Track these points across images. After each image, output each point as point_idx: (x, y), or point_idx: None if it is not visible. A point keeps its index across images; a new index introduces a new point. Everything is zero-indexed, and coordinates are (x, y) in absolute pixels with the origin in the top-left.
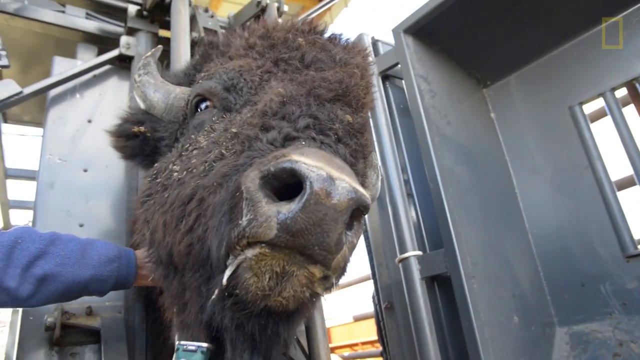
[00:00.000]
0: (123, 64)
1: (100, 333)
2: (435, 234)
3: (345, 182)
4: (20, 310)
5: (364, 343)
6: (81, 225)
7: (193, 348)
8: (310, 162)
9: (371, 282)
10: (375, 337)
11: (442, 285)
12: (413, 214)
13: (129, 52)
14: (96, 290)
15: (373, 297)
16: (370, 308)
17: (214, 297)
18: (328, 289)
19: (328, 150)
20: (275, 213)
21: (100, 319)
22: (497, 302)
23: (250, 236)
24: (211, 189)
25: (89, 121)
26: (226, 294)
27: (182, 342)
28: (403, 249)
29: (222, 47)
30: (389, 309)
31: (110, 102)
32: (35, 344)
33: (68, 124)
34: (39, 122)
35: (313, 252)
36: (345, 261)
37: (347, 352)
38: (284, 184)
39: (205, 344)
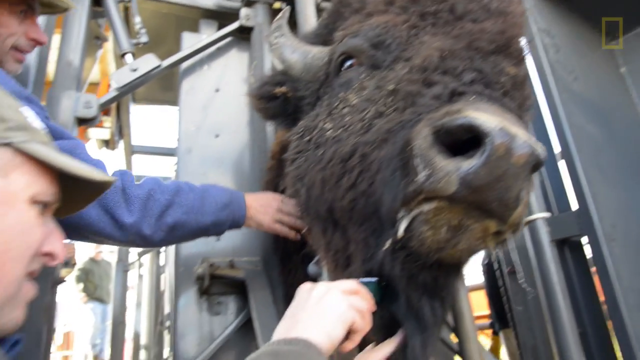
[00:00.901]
0: (243, 35)
1: (244, 283)
2: (563, 195)
3: (524, 138)
4: (171, 262)
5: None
6: None
7: (369, 280)
8: (488, 117)
9: None
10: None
11: (573, 249)
12: (537, 174)
13: (249, 24)
14: (215, 232)
15: (483, 264)
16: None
17: (385, 247)
18: (499, 244)
19: (497, 105)
20: (454, 169)
21: (244, 271)
22: None
23: (428, 192)
24: (374, 145)
25: (217, 90)
26: (398, 246)
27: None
28: (529, 211)
29: (355, 4)
30: (513, 274)
31: (233, 72)
32: (188, 292)
33: (199, 94)
34: (161, 101)
35: (492, 207)
36: (522, 217)
37: None
38: (455, 139)
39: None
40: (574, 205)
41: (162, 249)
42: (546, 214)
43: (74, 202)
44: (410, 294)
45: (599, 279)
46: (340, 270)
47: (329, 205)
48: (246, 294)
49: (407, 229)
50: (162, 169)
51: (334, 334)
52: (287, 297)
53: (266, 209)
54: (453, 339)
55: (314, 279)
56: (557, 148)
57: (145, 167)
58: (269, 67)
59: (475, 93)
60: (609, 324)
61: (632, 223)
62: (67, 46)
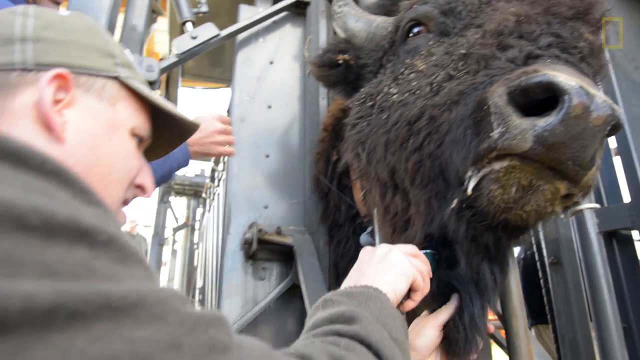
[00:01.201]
0: (298, 10)
1: (292, 250)
2: (615, 187)
3: (603, 98)
4: (220, 228)
5: None
6: (267, 156)
7: (425, 251)
8: (566, 76)
9: None
10: None
11: (622, 242)
12: None
13: None
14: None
15: (519, 259)
16: None
17: (452, 206)
18: (567, 208)
19: (574, 69)
20: (530, 126)
21: (292, 238)
22: None
23: (501, 148)
24: (444, 107)
25: (271, 63)
26: (464, 205)
27: None
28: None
29: None
30: (555, 264)
31: (287, 45)
32: (234, 257)
33: (254, 65)
34: (208, 77)
35: (565, 167)
36: (594, 180)
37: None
38: (530, 100)
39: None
40: (626, 197)
41: (197, 226)
42: (596, 205)
43: (159, 146)
44: (471, 257)
45: None
46: (398, 235)
47: (391, 168)
48: (290, 262)
49: (475, 188)
50: None
51: (398, 288)
52: (335, 268)
53: (204, 138)
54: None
55: None
56: (611, 139)
57: None
58: (324, 42)
59: (552, 57)
60: None
61: None
62: (132, 12)
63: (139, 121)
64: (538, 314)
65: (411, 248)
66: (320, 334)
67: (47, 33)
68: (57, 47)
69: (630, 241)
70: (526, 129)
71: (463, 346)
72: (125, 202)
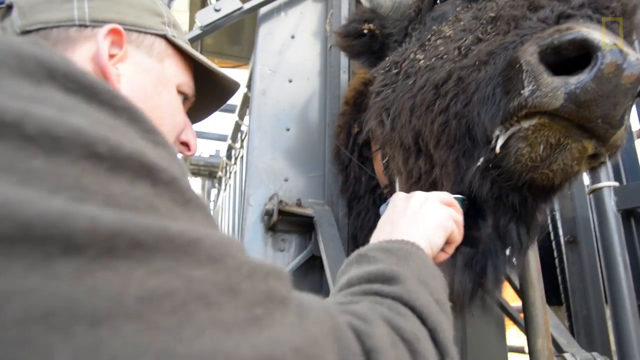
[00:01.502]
0: None
1: (312, 221)
2: (633, 164)
3: (636, 56)
4: (236, 205)
5: None
6: (287, 130)
7: (457, 196)
8: (599, 34)
9: None
10: None
11: None
12: None
13: None
14: None
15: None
16: None
17: (478, 164)
18: (593, 168)
19: (607, 29)
20: (561, 83)
21: (312, 209)
22: None
23: (532, 106)
24: (472, 68)
25: (292, 37)
26: (490, 165)
27: None
28: (595, 180)
29: None
30: (572, 243)
31: (309, 20)
32: (254, 228)
33: (275, 38)
34: (227, 55)
35: (595, 124)
36: (622, 140)
37: None
38: (562, 59)
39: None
40: None
41: (212, 207)
42: (614, 183)
43: (201, 109)
44: (498, 215)
45: None
46: None
47: (416, 131)
48: (309, 234)
49: (503, 146)
50: (221, 125)
51: (434, 242)
52: (354, 239)
53: None
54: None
55: None
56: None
57: (205, 122)
58: (345, 17)
59: (584, 16)
60: None
61: None
62: None
63: (184, 79)
64: (551, 295)
65: (446, 196)
66: (359, 293)
67: None
68: (110, 5)
69: None
70: (558, 87)
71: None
72: None
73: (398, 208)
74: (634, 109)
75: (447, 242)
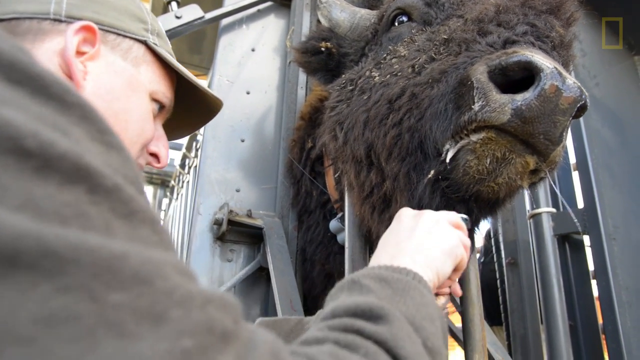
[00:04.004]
0: (283, 1)
1: (262, 232)
2: (570, 192)
3: (573, 80)
4: (188, 214)
5: None
6: (242, 140)
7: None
8: (542, 58)
9: None
10: None
11: (573, 246)
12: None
13: None
14: None
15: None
16: None
17: (429, 176)
18: (533, 183)
19: (547, 54)
20: (509, 100)
21: (262, 220)
22: (637, 270)
23: (481, 120)
24: (426, 85)
25: (253, 50)
26: (440, 176)
27: None
28: (536, 205)
29: None
30: (512, 265)
31: (270, 35)
32: (202, 237)
33: (236, 50)
34: (187, 63)
35: (537, 140)
36: (561, 156)
37: None
38: (509, 80)
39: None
40: (580, 204)
41: (162, 216)
42: (552, 209)
43: (185, 125)
44: None
45: (596, 275)
46: (379, 214)
47: (368, 144)
48: (257, 245)
49: (452, 159)
50: None
51: (442, 271)
52: (303, 252)
53: None
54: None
55: (335, 235)
56: (570, 148)
57: None
58: (306, 34)
59: (527, 43)
60: (599, 320)
61: (633, 227)
62: None
63: (160, 87)
64: (494, 315)
65: (455, 217)
66: (338, 329)
67: None
68: (91, 4)
69: (580, 245)
70: (505, 103)
71: None
72: (139, 166)
73: (405, 227)
74: (570, 143)
75: (455, 269)
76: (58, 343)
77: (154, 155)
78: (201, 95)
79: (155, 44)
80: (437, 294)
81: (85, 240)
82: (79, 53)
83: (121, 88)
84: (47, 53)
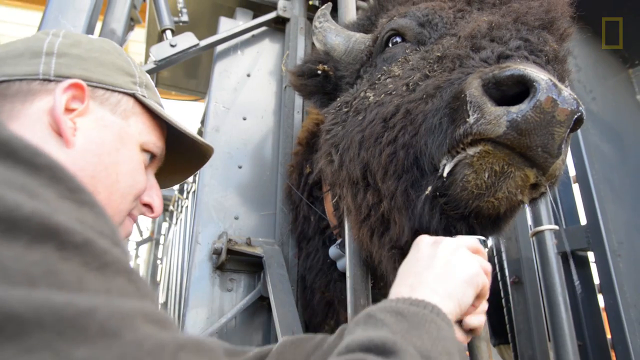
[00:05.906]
0: (277, 25)
1: (261, 260)
2: (572, 209)
3: (569, 92)
4: (187, 240)
5: None
6: (240, 167)
7: (480, 238)
8: (536, 71)
9: None
10: None
11: (578, 263)
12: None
13: (285, 15)
14: None
15: None
16: None
17: (426, 193)
18: (534, 199)
19: (541, 68)
20: (504, 112)
21: (261, 249)
22: None
23: (477, 133)
24: (420, 101)
25: (248, 75)
26: (437, 193)
27: None
28: (538, 223)
29: None
30: (517, 284)
31: (265, 60)
32: (202, 267)
33: (231, 76)
34: (183, 88)
35: (535, 153)
36: (561, 170)
37: None
38: (502, 94)
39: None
40: (583, 220)
41: (162, 240)
42: (554, 227)
43: (176, 172)
44: None
45: (603, 293)
46: (379, 237)
47: (364, 164)
48: (258, 274)
49: (449, 173)
50: None
51: (464, 301)
52: (303, 280)
53: None
54: None
55: (334, 262)
56: (570, 164)
57: None
58: (301, 58)
59: (521, 57)
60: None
61: (637, 242)
62: (112, 16)
63: (151, 138)
64: (500, 334)
65: (474, 242)
66: None
67: (72, 50)
68: (79, 62)
69: (586, 262)
70: (500, 115)
71: None
72: (132, 217)
73: (424, 255)
74: (569, 155)
75: (477, 297)
76: None
77: (148, 205)
78: (192, 142)
79: (144, 96)
80: (459, 322)
81: (50, 300)
82: (69, 110)
83: (111, 142)
84: (37, 112)
